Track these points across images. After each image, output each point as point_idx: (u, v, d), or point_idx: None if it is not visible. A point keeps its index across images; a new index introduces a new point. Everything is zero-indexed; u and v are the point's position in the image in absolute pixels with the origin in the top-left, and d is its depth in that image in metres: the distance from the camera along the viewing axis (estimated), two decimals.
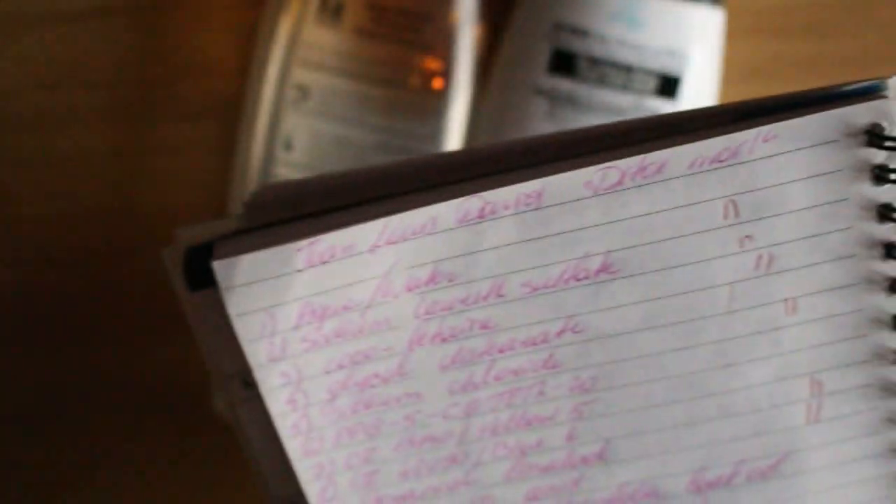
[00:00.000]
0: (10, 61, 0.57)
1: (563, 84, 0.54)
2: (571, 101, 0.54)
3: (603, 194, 0.35)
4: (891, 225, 0.36)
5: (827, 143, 0.35)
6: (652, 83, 0.53)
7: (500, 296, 0.37)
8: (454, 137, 0.56)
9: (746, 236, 0.36)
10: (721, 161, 0.35)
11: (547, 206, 0.36)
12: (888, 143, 0.35)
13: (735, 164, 0.35)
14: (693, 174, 0.35)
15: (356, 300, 0.37)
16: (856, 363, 0.38)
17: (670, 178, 0.35)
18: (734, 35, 0.57)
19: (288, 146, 0.55)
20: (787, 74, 0.58)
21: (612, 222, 0.36)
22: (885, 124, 0.35)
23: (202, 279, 0.36)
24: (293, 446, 0.38)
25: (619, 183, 0.35)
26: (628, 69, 0.53)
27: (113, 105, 0.58)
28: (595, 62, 0.53)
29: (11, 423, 0.59)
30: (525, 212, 0.36)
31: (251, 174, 0.56)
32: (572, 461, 0.39)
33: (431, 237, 0.36)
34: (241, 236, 0.37)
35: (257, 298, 0.36)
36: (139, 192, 0.59)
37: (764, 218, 0.36)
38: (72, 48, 0.57)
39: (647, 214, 0.36)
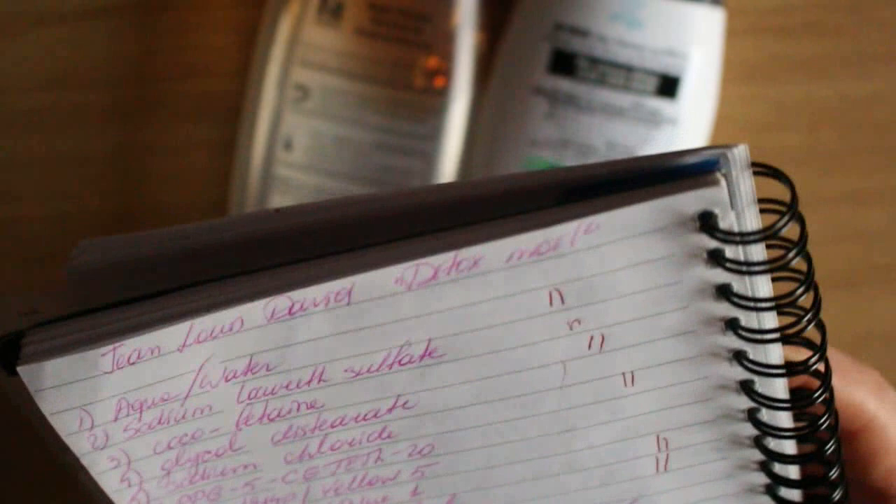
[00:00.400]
0: (10, 61, 0.57)
1: (563, 84, 0.54)
2: (571, 101, 0.54)
3: (417, 289, 0.34)
4: (729, 304, 0.35)
5: (654, 231, 0.33)
6: (652, 83, 0.53)
7: (323, 381, 0.36)
8: (454, 137, 0.56)
9: (576, 320, 0.35)
10: (540, 254, 0.33)
11: (358, 302, 0.34)
12: (720, 235, 0.33)
13: (556, 257, 0.34)
14: (512, 267, 0.34)
15: (173, 393, 0.36)
16: (702, 423, 0.37)
17: (488, 272, 0.34)
18: (734, 35, 0.57)
19: (288, 146, 0.55)
20: (787, 74, 0.58)
21: (430, 314, 0.35)
22: (717, 211, 0.33)
23: (15, 366, 0.35)
24: None
25: (433, 278, 0.34)
26: (628, 69, 0.53)
27: (113, 105, 0.58)
28: (595, 62, 0.53)
29: (13, 421, 0.59)
30: (336, 307, 0.34)
31: (251, 174, 0.56)
32: None
33: (242, 334, 0.35)
34: (51, 327, 0.36)
35: (69, 398, 0.35)
36: (139, 192, 0.59)
37: (592, 304, 0.35)
38: (72, 48, 0.57)
39: (466, 305, 0.35)
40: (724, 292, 0.34)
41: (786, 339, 0.35)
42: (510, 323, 0.35)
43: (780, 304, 0.35)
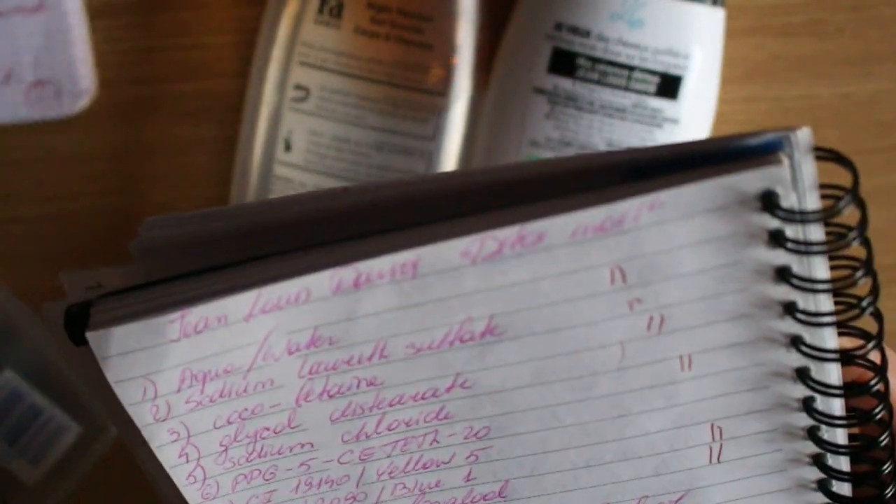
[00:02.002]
0: None
1: (563, 84, 0.54)
2: (572, 101, 0.54)
3: (481, 263, 0.34)
4: (787, 287, 0.35)
5: (717, 209, 0.33)
6: (652, 83, 0.53)
7: (384, 357, 0.36)
8: (454, 137, 0.56)
9: (636, 299, 0.35)
10: (604, 230, 0.34)
11: (423, 275, 0.34)
12: (781, 213, 0.33)
13: (619, 233, 0.34)
14: (575, 243, 0.34)
15: (236, 365, 0.36)
16: (756, 411, 0.37)
17: (552, 247, 0.34)
18: (734, 35, 0.57)
19: (288, 146, 0.55)
20: (787, 74, 0.58)
21: (493, 289, 0.35)
22: (779, 191, 0.33)
23: (83, 335, 0.36)
24: (191, 493, 0.38)
25: (498, 252, 0.34)
26: (628, 69, 0.53)
27: (113, 105, 0.58)
28: (595, 62, 0.53)
29: None
30: (401, 280, 0.35)
31: (251, 174, 0.56)
32: (473, 498, 0.39)
33: (307, 305, 0.35)
34: (119, 297, 0.36)
35: (134, 367, 0.35)
36: (139, 192, 0.59)
37: (653, 283, 0.35)
38: None
39: (529, 281, 0.35)
40: (783, 274, 0.35)
41: (842, 325, 0.35)
42: (571, 300, 0.35)
43: (838, 286, 0.35)
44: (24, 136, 0.58)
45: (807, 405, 0.37)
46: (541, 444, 0.38)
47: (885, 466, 0.38)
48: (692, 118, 0.54)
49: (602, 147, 0.54)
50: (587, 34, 0.53)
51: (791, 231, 0.34)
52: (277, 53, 0.55)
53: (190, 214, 0.37)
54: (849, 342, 0.36)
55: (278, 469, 0.39)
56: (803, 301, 0.35)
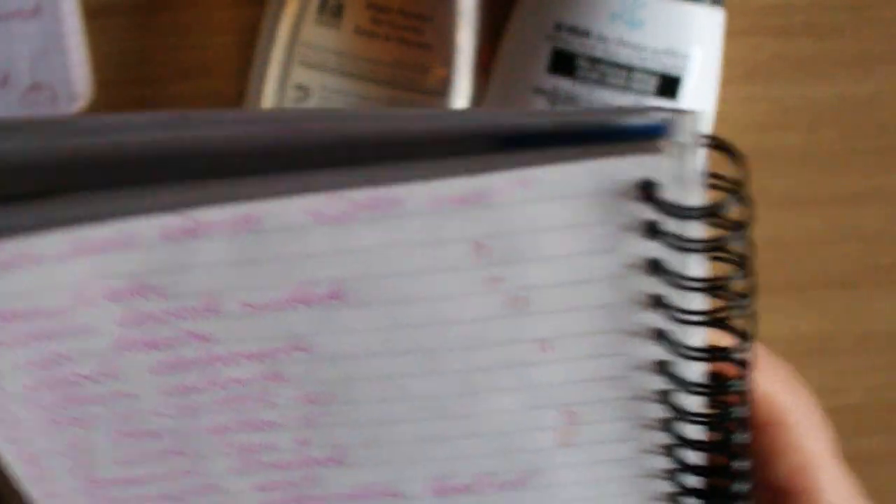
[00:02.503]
0: None
1: (563, 84, 0.54)
2: (571, 101, 0.54)
3: (330, 224, 0.32)
4: (658, 280, 0.33)
5: (591, 193, 0.31)
6: (652, 83, 0.53)
7: (216, 312, 0.33)
8: None
9: (496, 278, 0.33)
10: (467, 202, 0.31)
11: (265, 231, 0.32)
12: (658, 205, 0.31)
13: (484, 208, 0.31)
14: (435, 213, 0.31)
15: (48, 307, 0.33)
16: (614, 399, 0.36)
17: (408, 215, 0.32)
18: (734, 35, 0.57)
19: None
20: (787, 74, 0.58)
21: (340, 252, 0.32)
22: (659, 181, 0.31)
23: None
24: None
25: (349, 214, 0.32)
26: (628, 69, 0.53)
27: (113, 105, 0.58)
28: (595, 62, 0.53)
29: None
30: (240, 234, 0.32)
31: None
32: (305, 461, 0.37)
33: (131, 251, 0.32)
34: None
35: None
36: None
37: (516, 262, 0.33)
38: None
39: (381, 247, 0.32)
40: (655, 267, 0.33)
41: (712, 324, 0.34)
42: (426, 272, 0.33)
43: (710, 286, 0.33)
44: None
45: (665, 398, 0.36)
46: (381, 414, 0.36)
47: (737, 462, 0.37)
48: None
49: None
50: (587, 34, 0.53)
51: (668, 225, 0.32)
52: (277, 53, 0.55)
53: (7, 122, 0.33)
54: (718, 337, 0.35)
55: (96, 418, 0.36)
56: (674, 296, 0.33)
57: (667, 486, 0.38)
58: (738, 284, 0.33)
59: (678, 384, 0.35)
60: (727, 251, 0.33)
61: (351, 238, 0.32)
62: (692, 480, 0.38)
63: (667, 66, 0.53)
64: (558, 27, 0.54)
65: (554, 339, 0.34)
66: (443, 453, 0.37)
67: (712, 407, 0.36)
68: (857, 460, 0.62)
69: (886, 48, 0.58)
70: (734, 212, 0.32)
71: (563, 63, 0.54)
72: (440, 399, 0.35)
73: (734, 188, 0.32)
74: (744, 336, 0.35)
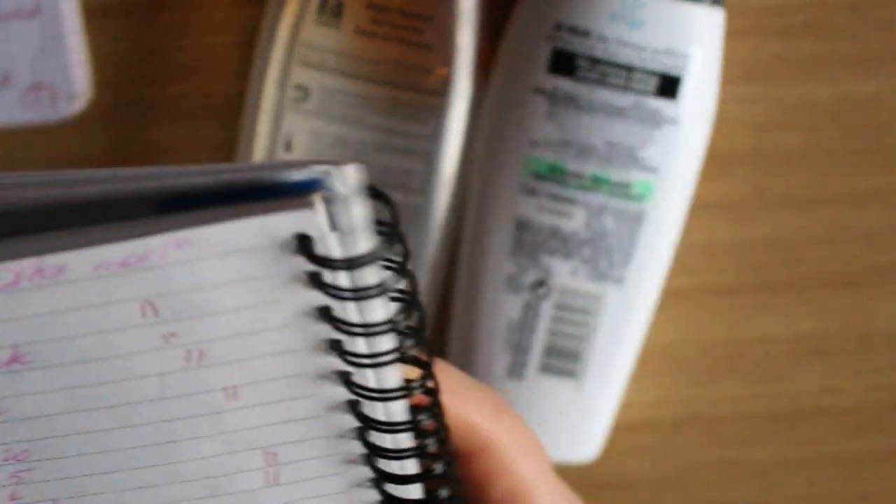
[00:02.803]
0: None
1: (563, 84, 0.54)
2: (571, 101, 0.54)
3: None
4: (329, 326, 0.34)
5: (249, 249, 0.32)
6: (652, 83, 0.53)
7: None
8: (454, 137, 0.56)
9: (171, 333, 0.34)
10: (129, 265, 0.32)
11: None
12: (314, 259, 0.32)
13: (145, 270, 0.32)
14: (100, 277, 0.32)
15: None
16: (312, 439, 0.37)
17: (75, 280, 0.32)
18: (734, 35, 0.57)
19: (288, 146, 0.55)
20: (787, 74, 0.58)
21: (14, 319, 0.33)
22: (314, 234, 0.32)
23: None
24: None
25: (16, 283, 0.32)
26: (628, 69, 0.53)
27: (113, 105, 0.58)
28: (595, 62, 0.53)
29: None
30: None
31: None
32: None
33: None
34: None
35: None
36: None
37: (187, 318, 0.33)
38: None
39: (53, 313, 0.33)
40: (324, 314, 0.34)
41: (387, 363, 0.35)
42: (101, 333, 0.34)
43: (376, 330, 0.34)
44: (26, 137, 0.58)
45: (361, 435, 0.37)
46: (86, 467, 0.37)
47: (441, 490, 0.38)
48: (692, 118, 0.54)
49: (602, 147, 0.54)
50: (587, 34, 0.53)
51: (327, 276, 0.33)
52: (277, 53, 0.55)
53: None
54: (410, 370, 0.36)
55: None
56: (347, 341, 0.34)
57: None
58: (411, 319, 0.35)
59: (366, 423, 0.36)
60: (400, 290, 0.34)
61: (22, 305, 0.33)
62: None
63: (667, 66, 0.53)
64: (558, 27, 0.54)
65: (239, 386, 0.35)
66: (155, 499, 0.38)
67: (416, 439, 0.37)
68: (857, 460, 0.62)
69: (886, 48, 0.58)
70: (395, 252, 0.33)
71: (563, 63, 0.54)
72: (139, 450, 0.36)
73: (389, 231, 0.33)
74: (423, 368, 0.36)
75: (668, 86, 0.54)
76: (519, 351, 0.56)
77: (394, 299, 0.35)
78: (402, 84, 0.55)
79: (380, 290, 0.33)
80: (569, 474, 0.61)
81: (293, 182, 0.32)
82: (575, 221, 0.55)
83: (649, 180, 0.54)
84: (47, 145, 0.58)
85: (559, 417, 0.57)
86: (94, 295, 0.33)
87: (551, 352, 0.56)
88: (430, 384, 0.37)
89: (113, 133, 0.58)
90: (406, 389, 0.36)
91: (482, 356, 0.56)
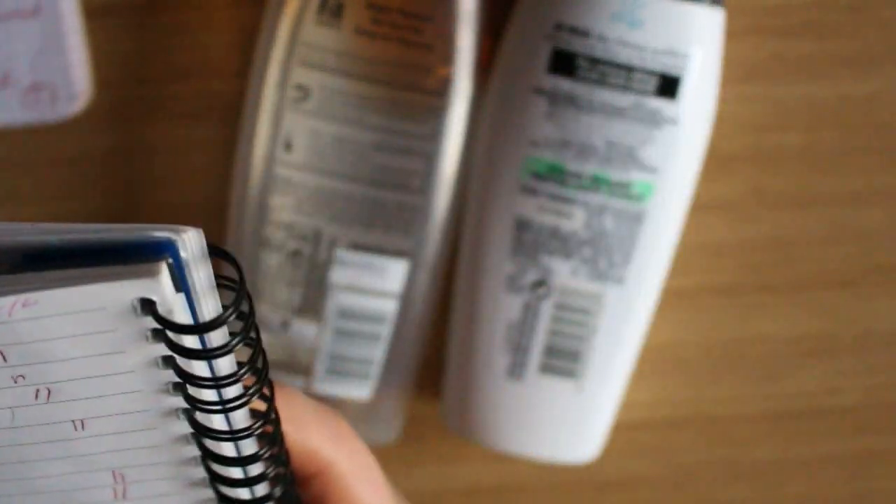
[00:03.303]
0: None
1: (563, 84, 0.54)
2: (571, 101, 0.54)
3: None
4: (173, 372, 0.37)
5: (95, 309, 0.35)
6: (652, 83, 0.53)
7: None
8: (454, 137, 0.56)
9: (20, 375, 0.37)
10: None
11: None
12: (158, 320, 0.35)
13: None
14: None
15: None
16: (156, 464, 0.40)
17: None
18: (734, 35, 0.57)
19: (288, 146, 0.55)
20: (787, 74, 0.58)
21: None
22: (156, 299, 0.34)
23: None
24: None
25: None
26: (628, 69, 0.53)
27: (113, 105, 0.58)
28: (595, 62, 0.53)
29: None
30: None
31: (251, 174, 0.56)
32: None
33: None
34: None
35: None
36: (139, 192, 0.59)
37: (35, 364, 0.36)
38: None
39: None
40: (168, 362, 0.36)
41: (229, 409, 0.38)
42: None
43: (222, 382, 0.37)
44: (26, 138, 0.58)
45: (203, 462, 0.40)
46: None
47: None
48: (691, 118, 0.54)
49: (602, 147, 0.54)
50: (587, 34, 0.53)
51: (170, 334, 0.35)
52: (277, 53, 0.55)
53: None
54: (255, 402, 0.39)
55: None
56: (189, 388, 0.37)
57: None
58: (257, 362, 0.38)
59: (210, 456, 0.39)
60: (249, 337, 0.37)
61: None
62: None
63: (667, 66, 0.53)
64: (558, 27, 0.54)
65: (86, 419, 0.38)
66: None
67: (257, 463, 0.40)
68: (857, 460, 0.62)
69: (886, 48, 0.58)
70: (243, 307, 0.36)
71: (563, 63, 0.54)
72: None
73: (235, 287, 0.36)
74: (266, 402, 0.39)
75: (668, 86, 0.54)
76: (519, 351, 0.56)
77: (243, 342, 0.37)
78: (402, 84, 0.55)
79: (220, 351, 0.36)
80: (569, 474, 0.61)
81: (142, 245, 0.35)
82: (575, 221, 0.55)
83: (649, 180, 0.54)
84: (47, 145, 0.58)
85: (559, 417, 0.57)
86: None
87: (551, 352, 0.56)
88: (272, 416, 0.40)
89: (113, 133, 0.58)
90: (247, 430, 0.39)
91: (482, 356, 0.56)
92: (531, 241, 0.55)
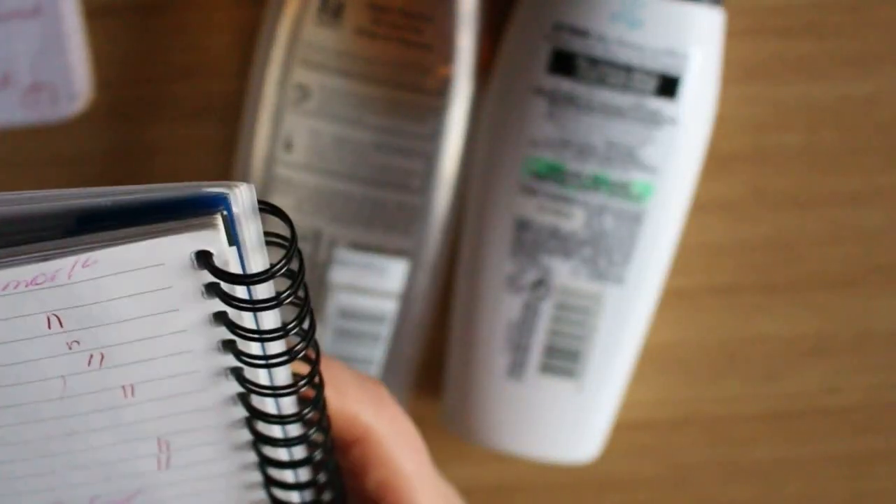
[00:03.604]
0: None
1: (563, 84, 0.54)
2: (571, 101, 0.54)
3: None
4: (225, 328, 0.37)
5: (151, 266, 0.35)
6: (652, 83, 0.53)
7: None
8: (454, 137, 0.56)
9: (75, 341, 0.37)
10: (38, 284, 0.35)
11: None
12: (214, 273, 0.35)
13: (53, 287, 0.35)
14: (9, 294, 0.35)
15: None
16: (202, 428, 0.40)
17: None
18: (734, 35, 0.57)
19: (288, 146, 0.55)
20: (787, 74, 0.58)
21: None
22: (213, 251, 0.35)
23: None
24: None
25: None
26: (628, 69, 0.53)
27: (113, 105, 0.58)
28: (595, 62, 0.53)
29: None
30: None
31: (251, 174, 0.56)
32: None
33: None
34: None
35: None
36: None
37: (91, 327, 0.36)
38: None
39: None
40: (220, 318, 0.37)
41: (279, 364, 0.38)
42: (9, 343, 0.36)
43: (268, 337, 0.37)
44: (26, 138, 0.58)
45: (249, 424, 0.40)
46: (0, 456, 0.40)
47: (320, 476, 0.42)
48: (691, 118, 0.54)
49: (602, 147, 0.54)
50: (587, 34, 0.53)
51: (225, 286, 0.36)
52: (277, 53, 0.55)
53: None
54: (298, 365, 0.39)
55: None
56: (241, 342, 0.37)
57: (265, 496, 0.43)
58: (303, 322, 0.38)
59: (256, 415, 0.39)
60: (297, 297, 0.37)
61: None
62: (284, 494, 0.42)
63: (667, 66, 0.53)
64: (558, 27, 0.54)
65: (136, 384, 0.38)
66: (52, 485, 0.41)
67: (300, 427, 0.41)
68: (857, 460, 0.62)
69: (886, 48, 0.58)
70: (293, 265, 0.36)
71: (563, 63, 0.54)
72: (40, 441, 0.39)
73: (288, 244, 0.36)
74: (310, 365, 0.39)
75: (668, 86, 0.54)
76: (519, 351, 0.56)
77: (291, 303, 0.37)
78: (402, 84, 0.55)
79: (272, 303, 0.36)
80: (569, 474, 0.61)
81: (192, 199, 0.35)
82: (575, 221, 0.55)
83: (649, 180, 0.54)
84: (47, 145, 0.58)
85: (559, 417, 0.57)
86: (4, 310, 0.36)
87: (551, 352, 0.56)
88: (315, 380, 0.40)
89: (113, 133, 0.58)
90: (293, 387, 0.39)
91: (482, 356, 0.56)
92: (531, 241, 0.55)
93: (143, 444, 0.40)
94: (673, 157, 0.54)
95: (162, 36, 0.57)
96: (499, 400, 0.57)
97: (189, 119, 0.58)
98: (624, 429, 0.61)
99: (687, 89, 0.54)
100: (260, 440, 0.40)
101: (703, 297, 0.60)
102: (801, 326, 0.60)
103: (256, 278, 0.36)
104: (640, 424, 0.61)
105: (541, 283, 0.55)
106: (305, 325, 0.38)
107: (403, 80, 0.55)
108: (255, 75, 0.56)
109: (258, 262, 0.36)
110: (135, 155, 0.58)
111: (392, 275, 0.57)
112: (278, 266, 0.36)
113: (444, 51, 0.55)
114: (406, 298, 0.57)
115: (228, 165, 0.58)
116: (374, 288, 0.57)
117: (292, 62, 0.55)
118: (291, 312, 0.38)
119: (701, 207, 0.58)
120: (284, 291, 0.36)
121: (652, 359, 0.60)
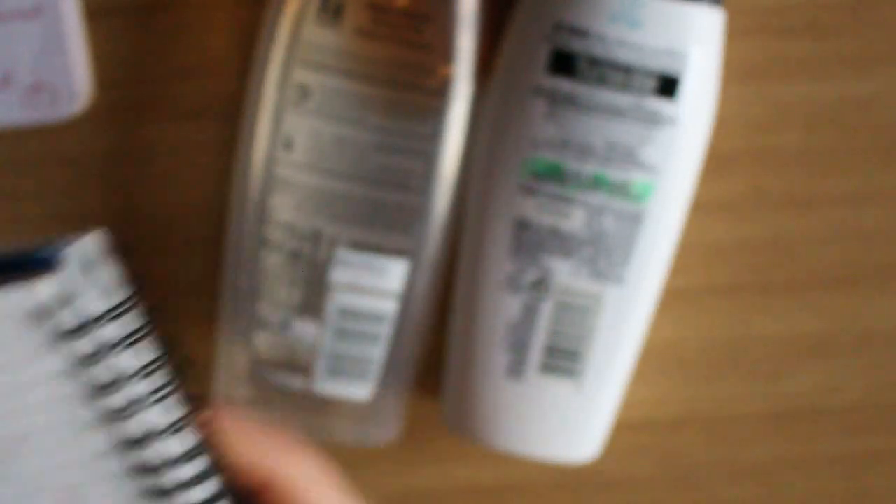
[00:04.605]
0: None
1: (563, 84, 0.54)
2: (571, 101, 0.54)
3: None
4: (98, 370, 0.37)
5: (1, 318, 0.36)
6: (652, 83, 0.53)
7: None
8: (454, 137, 0.56)
9: None
10: None
11: None
12: (62, 319, 0.36)
13: None
14: None
15: None
16: (107, 475, 0.40)
17: None
18: (734, 35, 0.57)
19: (288, 146, 0.55)
20: (787, 74, 0.58)
21: None
22: (53, 304, 0.36)
23: None
24: None
25: None
26: (628, 69, 0.53)
27: (113, 105, 0.58)
28: (595, 62, 0.53)
29: None
30: None
31: (251, 174, 0.56)
32: None
33: None
34: None
35: None
36: (139, 192, 0.59)
37: None
38: None
39: None
40: (94, 360, 0.37)
41: (153, 404, 0.38)
42: None
43: (112, 387, 0.37)
44: (26, 137, 0.58)
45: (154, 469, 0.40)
46: None
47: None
48: (691, 118, 0.54)
49: (602, 147, 0.54)
50: (586, 34, 0.53)
51: (81, 332, 0.37)
52: (277, 53, 0.55)
53: None
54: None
55: None
56: (102, 391, 0.38)
57: None
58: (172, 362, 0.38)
59: (139, 465, 0.39)
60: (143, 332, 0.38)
61: None
62: None
63: (666, 66, 0.53)
64: (558, 27, 0.54)
65: (26, 436, 0.38)
66: None
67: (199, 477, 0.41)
68: (857, 460, 0.62)
69: (886, 48, 0.58)
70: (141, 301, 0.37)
71: (563, 63, 0.54)
72: None
73: (130, 283, 0.37)
74: (192, 405, 0.39)
75: (668, 86, 0.54)
76: (519, 351, 0.56)
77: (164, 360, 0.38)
78: (402, 84, 0.55)
79: (115, 343, 0.37)
80: (569, 474, 0.61)
81: (39, 257, 0.36)
82: (574, 221, 0.55)
83: (649, 180, 0.54)
84: (47, 145, 0.58)
85: (559, 417, 0.57)
86: None
87: (551, 351, 0.56)
88: (202, 423, 0.40)
89: (113, 133, 0.58)
90: (175, 426, 0.39)
91: (482, 356, 0.56)
92: (531, 241, 0.55)
93: (45, 496, 0.40)
94: (673, 157, 0.54)
95: (162, 36, 0.57)
96: (499, 400, 0.57)
97: (189, 119, 0.58)
98: (624, 429, 0.61)
99: (687, 89, 0.54)
100: (155, 492, 0.40)
101: (702, 297, 0.60)
102: (801, 326, 0.60)
103: (79, 331, 0.36)
104: (640, 424, 0.61)
105: (541, 283, 0.55)
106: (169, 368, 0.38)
107: (404, 80, 0.55)
108: (256, 75, 0.56)
109: (113, 305, 0.37)
110: (135, 155, 0.58)
111: (392, 275, 0.57)
112: (104, 314, 0.36)
113: (444, 51, 0.55)
114: (406, 298, 0.57)
115: (228, 165, 0.58)
116: (374, 288, 0.57)
117: (292, 62, 0.55)
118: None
119: (701, 207, 0.58)
120: (131, 334, 0.37)
121: (652, 358, 0.60)
